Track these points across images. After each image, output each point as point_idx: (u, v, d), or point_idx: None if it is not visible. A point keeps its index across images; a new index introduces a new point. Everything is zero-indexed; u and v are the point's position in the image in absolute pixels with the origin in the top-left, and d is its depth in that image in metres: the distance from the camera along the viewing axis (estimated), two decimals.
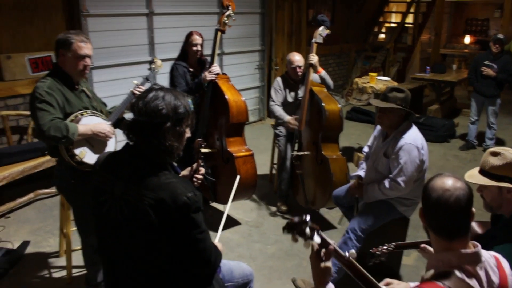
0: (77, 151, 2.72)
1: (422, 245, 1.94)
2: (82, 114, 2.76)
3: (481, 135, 6.49)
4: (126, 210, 1.70)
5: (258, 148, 5.77)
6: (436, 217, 1.55)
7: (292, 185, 4.43)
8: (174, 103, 1.72)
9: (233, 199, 3.87)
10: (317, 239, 1.56)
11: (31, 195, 4.49)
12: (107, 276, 1.91)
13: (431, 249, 1.95)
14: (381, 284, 1.71)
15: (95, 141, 2.81)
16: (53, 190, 4.68)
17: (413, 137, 2.97)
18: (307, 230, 1.55)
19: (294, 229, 1.58)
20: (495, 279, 1.55)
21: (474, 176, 2.08)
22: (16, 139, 4.83)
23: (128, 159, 1.76)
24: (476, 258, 1.52)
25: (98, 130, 2.74)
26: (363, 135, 7.01)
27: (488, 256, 1.59)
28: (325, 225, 4.18)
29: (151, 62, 3.51)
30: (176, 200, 1.63)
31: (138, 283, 1.78)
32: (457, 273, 1.48)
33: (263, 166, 5.28)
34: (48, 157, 4.47)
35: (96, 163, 1.91)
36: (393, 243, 2.06)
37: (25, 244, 3.75)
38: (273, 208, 4.49)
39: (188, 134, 1.83)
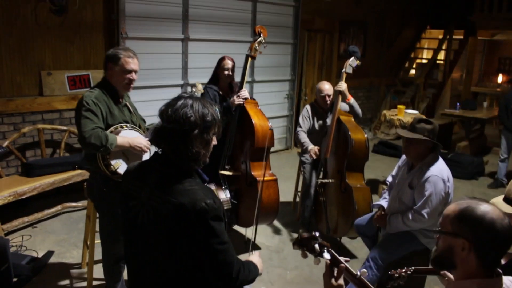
0: (113, 161, 2.84)
1: (443, 272, 1.91)
2: (122, 127, 2.90)
3: (511, 174, 6.35)
4: (152, 215, 1.74)
5: (283, 176, 5.79)
6: (492, 243, 1.46)
7: (315, 213, 4.42)
8: (202, 111, 1.75)
9: (255, 223, 3.92)
10: (327, 255, 1.57)
11: (58, 207, 4.61)
12: (132, 282, 1.94)
13: (451, 276, 1.93)
14: None
15: (131, 154, 2.92)
16: (79, 204, 4.81)
17: (439, 169, 2.95)
18: (317, 246, 1.56)
19: (303, 245, 1.59)
20: None
21: (498, 203, 2.06)
22: (49, 152, 5.00)
23: (156, 166, 1.81)
24: (497, 286, 1.49)
25: (135, 144, 2.86)
26: (389, 168, 6.93)
27: (510, 283, 1.56)
28: (347, 255, 4.13)
29: (192, 86, 3.66)
30: (194, 205, 1.66)
31: None
32: None
33: (287, 193, 5.29)
34: (78, 171, 4.62)
35: (126, 170, 1.97)
36: (412, 267, 2.04)
37: (49, 253, 3.85)
38: (295, 235, 4.48)
39: (214, 142, 1.85)
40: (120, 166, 2.86)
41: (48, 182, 4.36)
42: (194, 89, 3.65)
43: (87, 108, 2.73)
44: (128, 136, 2.88)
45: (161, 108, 1.78)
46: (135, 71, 2.90)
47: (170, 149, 1.76)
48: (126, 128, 2.92)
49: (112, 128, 2.85)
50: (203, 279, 1.79)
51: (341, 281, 1.57)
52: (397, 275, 2.02)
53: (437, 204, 2.91)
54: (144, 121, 3.25)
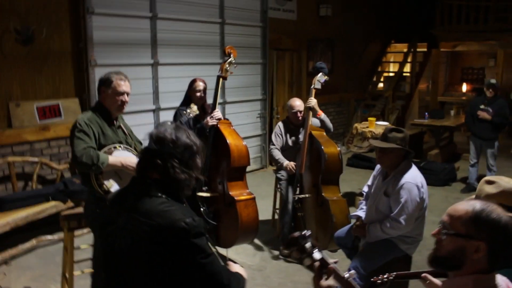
0: (106, 181, 2.91)
1: (424, 275, 1.94)
2: (115, 147, 2.99)
3: (482, 178, 6.51)
4: (129, 240, 1.72)
5: (260, 195, 5.78)
6: (507, 245, 1.49)
7: (295, 228, 4.43)
8: (185, 136, 1.81)
9: (235, 243, 3.90)
10: (317, 255, 1.57)
11: (33, 241, 4.49)
12: None
13: (433, 279, 1.96)
14: None
15: (124, 174, 2.97)
16: (55, 236, 4.69)
17: (413, 175, 3.02)
18: (308, 245, 1.56)
19: (294, 245, 1.58)
20: None
21: None
22: (21, 185, 4.89)
23: (133, 190, 1.81)
24: (492, 283, 1.51)
25: (127, 163, 2.92)
26: (364, 180, 6.97)
27: (501, 280, 1.58)
28: None
29: (188, 108, 3.86)
30: (173, 227, 1.65)
31: None
32: None
33: (265, 211, 5.29)
34: (52, 203, 4.53)
35: (108, 197, 1.96)
36: (394, 273, 2.06)
37: None
38: (276, 252, 4.47)
39: (198, 167, 1.87)
40: (113, 186, 2.92)
41: (21, 216, 4.25)
42: (189, 111, 3.80)
43: (79, 129, 2.85)
44: (121, 156, 2.95)
45: (150, 131, 1.83)
46: (127, 93, 3.02)
47: (152, 171, 1.78)
48: (119, 149, 3.00)
49: (105, 149, 2.93)
50: None
51: (331, 281, 1.56)
52: (379, 281, 2.04)
53: (413, 210, 2.97)
54: (141, 143, 3.28)
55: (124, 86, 2.98)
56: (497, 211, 1.50)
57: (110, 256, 1.83)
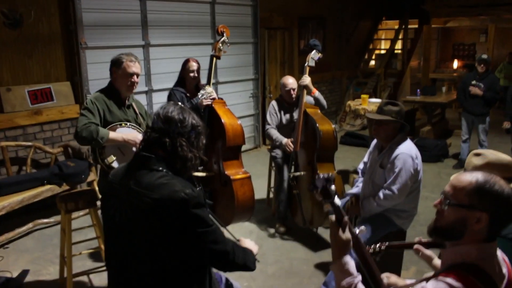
0: (108, 156, 3.06)
1: (416, 246, 1.98)
2: (120, 125, 3.13)
3: None
4: (130, 213, 1.76)
5: (255, 174, 5.79)
6: (508, 215, 1.52)
7: (290, 206, 4.48)
8: (190, 116, 1.88)
9: (232, 222, 3.93)
10: (338, 201, 1.59)
11: (30, 225, 4.50)
12: (112, 282, 1.93)
13: (425, 250, 2.00)
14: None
15: (127, 150, 3.12)
16: (52, 219, 4.71)
17: (408, 147, 3.08)
18: (333, 187, 1.58)
19: (317, 186, 1.60)
20: (505, 271, 1.56)
21: None
22: (15, 170, 4.88)
23: (134, 165, 1.84)
24: (494, 251, 1.54)
25: (129, 138, 3.05)
26: (358, 158, 7.08)
27: (500, 254, 1.61)
28: (324, 244, 4.21)
29: (203, 89, 3.95)
30: (173, 198, 1.69)
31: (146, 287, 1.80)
32: (479, 265, 1.48)
33: (260, 191, 5.33)
34: (47, 187, 4.52)
35: (111, 172, 1.99)
36: (387, 242, 2.10)
37: (24, 273, 3.75)
38: (272, 230, 4.53)
39: (202, 148, 1.94)
40: (115, 160, 3.07)
41: (17, 200, 4.24)
42: (203, 91, 3.89)
43: (84, 107, 3.05)
44: (123, 132, 3.07)
45: (156, 111, 1.89)
46: (137, 74, 3.15)
47: (162, 149, 1.82)
48: (124, 126, 3.13)
49: (110, 125, 3.07)
50: (188, 273, 1.80)
51: (348, 235, 1.59)
52: (371, 250, 2.07)
53: (406, 180, 3.02)
54: None
55: (134, 67, 3.11)
56: (500, 183, 1.51)
57: (111, 229, 1.87)
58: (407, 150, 3.05)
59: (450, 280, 1.45)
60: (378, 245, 2.09)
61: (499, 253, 1.60)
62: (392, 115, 3.05)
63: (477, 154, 2.22)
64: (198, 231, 1.72)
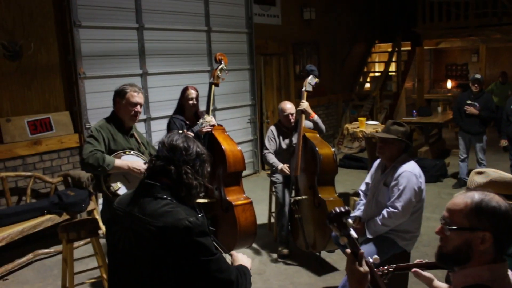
0: (113, 183, 3.08)
1: (414, 270, 1.96)
2: (125, 153, 3.17)
3: None
4: (133, 240, 1.76)
5: (255, 200, 5.74)
6: (510, 231, 1.50)
7: (292, 230, 4.46)
8: (193, 144, 1.90)
9: (235, 248, 3.91)
10: (354, 234, 1.59)
11: (30, 255, 4.46)
12: None
13: (423, 272, 1.99)
14: None
15: (132, 177, 3.14)
16: (52, 249, 4.67)
17: (412, 166, 3.13)
18: (350, 221, 1.58)
19: (334, 221, 1.60)
20: None
21: None
22: (15, 200, 4.86)
23: (139, 193, 1.85)
24: (505, 271, 1.53)
25: (134, 166, 3.08)
26: (357, 180, 7.10)
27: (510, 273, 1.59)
28: (328, 268, 4.18)
29: (202, 118, 4.00)
30: (177, 226, 1.69)
31: None
32: (491, 287, 1.46)
33: (261, 216, 5.30)
34: (47, 217, 4.50)
35: (117, 199, 2.00)
36: (394, 265, 2.11)
37: None
38: (274, 255, 4.50)
39: (207, 176, 1.94)
40: (120, 188, 3.08)
41: (17, 231, 4.22)
42: (201, 121, 3.94)
43: (89, 135, 3.11)
44: (128, 160, 3.10)
45: (161, 139, 1.92)
46: (140, 104, 3.22)
47: (161, 176, 1.83)
48: (128, 154, 3.17)
49: (115, 153, 3.11)
50: None
51: (366, 268, 1.58)
52: (380, 272, 2.07)
53: (410, 197, 3.04)
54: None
55: (137, 97, 3.18)
56: (496, 199, 1.51)
57: (114, 256, 1.87)
58: (411, 169, 3.10)
59: None
60: (386, 267, 2.09)
61: (510, 273, 1.58)
62: (398, 134, 3.13)
63: (480, 173, 2.25)
64: (202, 259, 1.71)
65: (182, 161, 1.83)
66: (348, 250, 1.58)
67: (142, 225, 1.74)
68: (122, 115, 3.20)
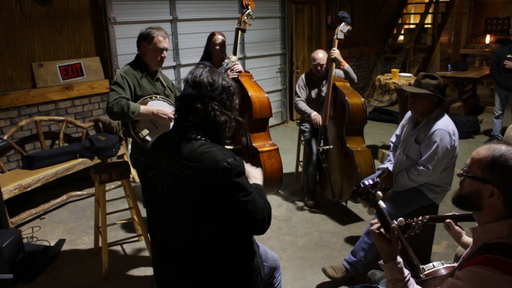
0: (141, 129, 3.09)
1: (448, 220, 1.97)
2: (151, 98, 3.12)
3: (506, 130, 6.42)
4: (172, 183, 1.75)
5: (283, 149, 5.82)
6: None
7: (319, 179, 4.47)
8: (220, 78, 1.84)
9: None
10: (382, 204, 1.60)
11: (64, 197, 4.63)
12: (156, 250, 1.95)
13: (455, 226, 1.99)
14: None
15: (160, 123, 3.15)
16: (84, 192, 4.83)
17: (445, 123, 2.97)
18: (379, 193, 1.59)
19: (360, 194, 1.63)
20: None
21: None
22: (49, 144, 5.00)
23: (174, 135, 1.84)
24: None
25: (159, 112, 3.05)
26: (386, 133, 7.01)
27: None
28: (353, 218, 4.21)
29: (227, 58, 3.95)
30: (216, 167, 1.67)
31: (189, 256, 1.81)
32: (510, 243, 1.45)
33: (289, 165, 5.33)
34: (79, 160, 4.63)
35: (150, 142, 1.99)
36: (427, 216, 2.10)
37: (61, 242, 3.88)
38: (301, 203, 4.54)
39: (237, 108, 1.91)
40: (148, 133, 3.10)
41: (51, 173, 4.36)
42: (227, 61, 3.89)
43: (114, 82, 3.04)
44: (154, 106, 3.07)
45: (185, 77, 1.86)
46: (166, 49, 3.15)
47: (191, 115, 1.81)
48: (155, 99, 3.13)
49: (141, 99, 3.08)
50: (230, 241, 1.80)
51: (395, 239, 1.62)
52: (414, 223, 2.07)
53: (442, 157, 2.94)
54: None
55: (164, 42, 3.10)
56: None
57: (153, 199, 1.87)
58: (445, 126, 2.95)
59: (482, 269, 1.42)
60: (420, 218, 2.09)
61: None
62: (430, 88, 2.95)
63: None
64: (240, 199, 1.71)
65: (208, 97, 1.78)
66: (375, 227, 1.59)
67: (180, 168, 1.73)
68: (148, 60, 3.13)
